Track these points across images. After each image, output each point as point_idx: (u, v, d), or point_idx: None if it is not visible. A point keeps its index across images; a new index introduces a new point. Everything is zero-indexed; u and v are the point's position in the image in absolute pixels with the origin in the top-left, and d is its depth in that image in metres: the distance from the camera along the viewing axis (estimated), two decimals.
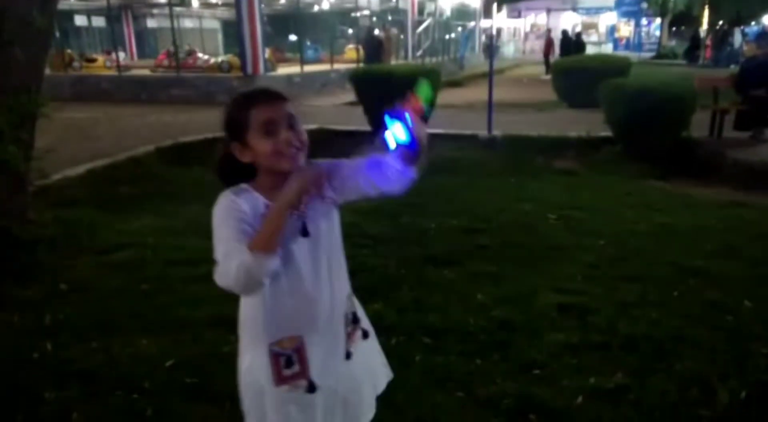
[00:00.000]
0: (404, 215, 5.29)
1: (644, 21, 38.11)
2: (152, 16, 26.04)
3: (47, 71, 5.10)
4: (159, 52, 20.59)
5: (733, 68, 12.43)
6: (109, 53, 19.06)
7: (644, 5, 35.39)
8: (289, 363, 1.52)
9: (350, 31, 24.37)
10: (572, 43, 20.11)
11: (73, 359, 2.96)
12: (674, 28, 39.53)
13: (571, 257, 4.26)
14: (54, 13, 4.62)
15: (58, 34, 15.65)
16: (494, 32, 14.94)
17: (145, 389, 2.69)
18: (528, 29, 40.82)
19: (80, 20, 23.28)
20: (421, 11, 24.28)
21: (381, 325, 3.15)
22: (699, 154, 7.29)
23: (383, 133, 1.37)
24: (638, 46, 35.77)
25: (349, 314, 1.64)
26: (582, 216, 5.25)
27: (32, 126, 4.49)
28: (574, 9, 37.88)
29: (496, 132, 8.70)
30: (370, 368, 1.73)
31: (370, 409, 1.71)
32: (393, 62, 17.71)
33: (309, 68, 17.15)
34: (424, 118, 1.38)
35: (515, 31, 40.94)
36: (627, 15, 37.77)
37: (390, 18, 23.31)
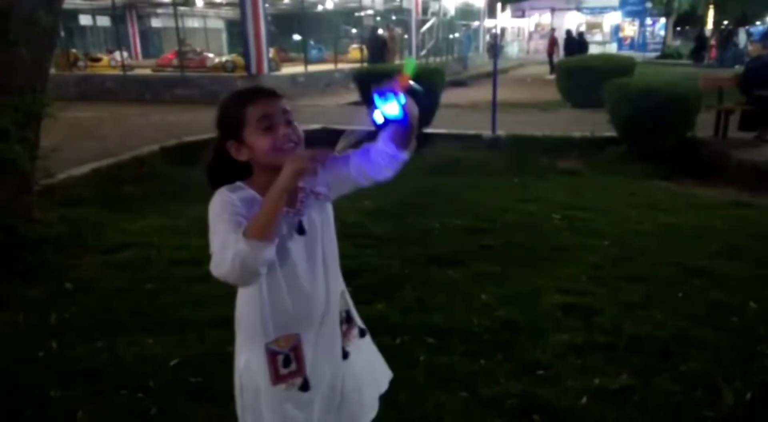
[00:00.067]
0: (408, 215, 5.30)
1: (649, 21, 38.01)
2: (157, 15, 26.11)
3: (52, 71, 5.11)
4: (164, 51, 20.67)
5: (738, 68, 12.37)
6: (111, 52, 19.12)
7: (649, 5, 35.29)
8: (286, 362, 1.52)
9: (354, 30, 24.35)
10: (576, 43, 20.08)
11: (78, 358, 2.97)
12: (679, 28, 39.42)
13: (576, 257, 4.26)
14: (59, 13, 4.64)
15: (63, 34, 15.70)
16: (498, 32, 14.89)
17: (150, 388, 2.70)
18: (532, 29, 40.74)
19: (85, 20, 23.34)
20: (425, 11, 24.26)
21: (385, 325, 3.18)
22: (704, 154, 7.26)
23: (372, 111, 1.37)
24: (643, 46, 35.67)
25: (342, 312, 1.64)
26: (586, 216, 5.24)
27: (37, 125, 4.50)
28: (579, 8, 37.78)
29: (500, 132, 8.69)
30: (370, 366, 1.73)
31: (371, 408, 1.71)
32: (397, 62, 17.69)
33: (313, 68, 17.16)
34: (413, 94, 1.37)
35: (519, 31, 40.87)
36: (631, 14, 37.66)
37: (394, 18, 23.28)
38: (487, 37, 30.43)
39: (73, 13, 21.17)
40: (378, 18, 23.36)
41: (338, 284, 1.63)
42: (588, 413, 2.50)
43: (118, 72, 16.68)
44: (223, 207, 1.41)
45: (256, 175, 1.50)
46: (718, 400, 2.55)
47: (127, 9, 23.52)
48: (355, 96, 11.67)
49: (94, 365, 2.90)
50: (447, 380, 2.74)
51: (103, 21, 23.54)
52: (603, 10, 37.94)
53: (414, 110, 1.37)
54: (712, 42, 27.18)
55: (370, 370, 1.72)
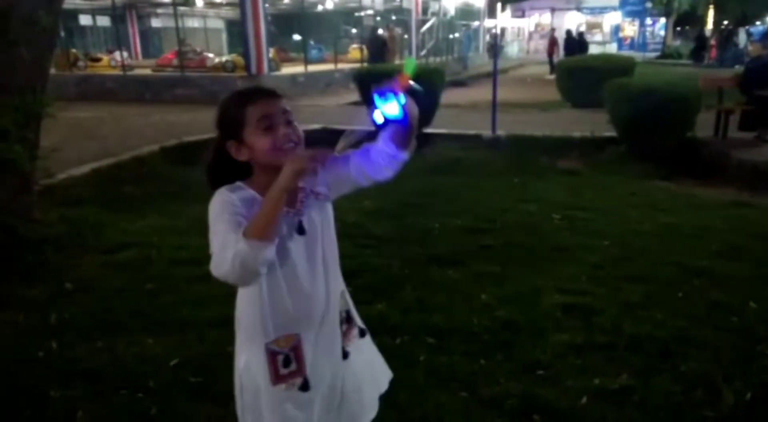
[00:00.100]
0: (408, 215, 5.30)
1: (649, 21, 38.01)
2: (157, 15, 26.11)
3: (52, 71, 5.11)
4: (164, 51, 20.67)
5: (738, 68, 12.38)
6: (111, 52, 19.13)
7: (649, 5, 35.29)
8: (286, 361, 1.52)
9: (354, 30, 24.36)
10: (576, 43, 20.07)
11: (78, 358, 2.97)
12: (679, 28, 39.41)
13: (576, 257, 4.26)
14: (59, 13, 4.64)
15: (63, 34, 15.70)
16: (498, 32, 14.89)
17: (150, 388, 2.70)
18: (532, 29, 40.75)
19: (85, 20, 23.34)
20: (425, 11, 24.26)
21: (385, 325, 3.18)
22: (704, 154, 7.27)
23: (372, 111, 1.37)
24: (643, 46, 35.66)
25: (342, 312, 1.64)
26: (586, 216, 5.24)
27: (37, 125, 4.50)
28: (579, 8, 37.78)
29: (500, 132, 8.69)
30: (370, 366, 1.72)
31: (371, 408, 1.71)
32: (397, 62, 17.69)
33: (313, 68, 17.16)
34: (413, 94, 1.38)
35: (519, 31, 40.88)
36: (631, 14, 37.66)
37: (394, 18, 23.28)
38: (487, 37, 30.43)
39: (73, 13, 21.17)
40: (378, 18, 23.36)
41: (338, 284, 1.63)
42: (588, 413, 2.50)
43: (118, 72, 16.69)
44: (223, 207, 1.40)
45: (255, 175, 1.50)
46: (718, 400, 2.55)
47: (127, 9, 23.52)
48: (355, 96, 11.67)
49: (94, 365, 2.90)
50: (447, 380, 2.74)
51: (103, 21, 23.55)
52: (603, 10, 37.94)
53: (414, 110, 1.38)
54: (712, 42, 27.18)
55: (370, 370, 1.72)
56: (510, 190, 6.22)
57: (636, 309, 3.41)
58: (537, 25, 40.13)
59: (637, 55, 23.34)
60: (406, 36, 22.96)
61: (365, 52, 18.31)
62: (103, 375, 2.82)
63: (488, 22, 29.98)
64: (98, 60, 18.46)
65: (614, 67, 11.19)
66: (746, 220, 5.14)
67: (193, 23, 26.41)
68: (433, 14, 24.67)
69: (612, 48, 34.58)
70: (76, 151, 7.20)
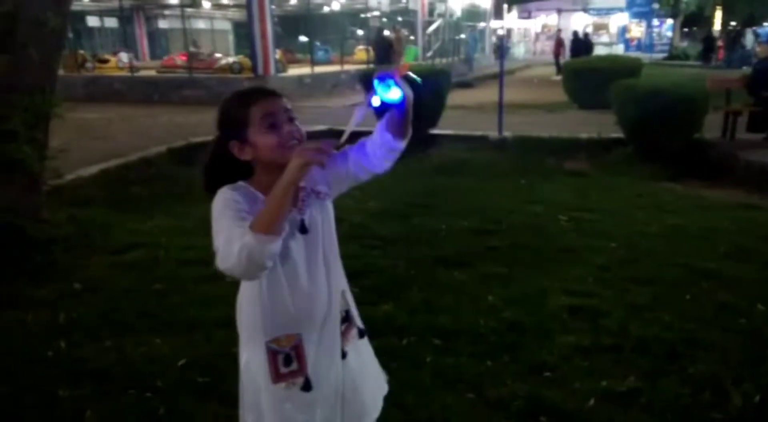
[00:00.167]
0: (414, 216, 5.30)
1: (656, 22, 37.90)
2: (164, 17, 26.20)
3: (60, 72, 5.14)
4: (171, 52, 20.74)
5: (746, 69, 12.32)
6: (115, 54, 19.23)
7: (656, 6, 35.18)
8: (287, 360, 1.52)
9: (360, 32, 24.39)
10: (582, 44, 20.02)
11: (86, 358, 2.98)
12: (686, 29, 39.26)
13: (582, 259, 4.25)
14: (67, 14, 4.66)
15: (71, 35, 15.79)
16: (504, 33, 14.88)
17: (158, 388, 2.71)
18: (538, 30, 40.69)
19: (93, 21, 23.46)
20: (431, 12, 24.27)
21: (391, 326, 3.18)
22: (711, 156, 7.24)
23: (370, 96, 1.38)
24: (650, 47, 35.56)
25: (341, 311, 1.63)
26: (593, 217, 5.23)
27: (46, 126, 4.53)
28: (585, 10, 37.70)
29: (507, 133, 8.68)
30: (369, 368, 1.72)
31: (374, 409, 1.70)
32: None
33: (319, 69, 17.20)
34: (411, 83, 1.39)
35: (525, 32, 40.82)
36: (638, 16, 37.57)
37: (400, 19, 23.29)
38: (494, 38, 30.40)
39: (81, 15, 21.27)
40: (384, 19, 23.36)
41: (340, 283, 1.63)
42: (595, 415, 2.49)
43: (125, 73, 16.76)
44: (226, 203, 1.41)
45: (257, 175, 1.51)
46: (727, 402, 2.54)
47: (135, 10, 23.61)
48: (361, 97, 11.66)
49: (102, 365, 2.91)
50: (453, 381, 2.74)
51: (111, 22, 23.66)
52: (610, 11, 37.85)
53: (410, 96, 1.40)
54: (720, 43, 27.06)
55: (368, 371, 1.71)
56: (516, 191, 6.21)
57: (643, 311, 3.40)
58: (543, 26, 40.08)
59: (644, 57, 23.28)
60: (412, 37, 22.96)
61: (371, 53, 18.33)
62: (111, 374, 2.83)
63: (494, 23, 29.95)
64: (106, 61, 18.56)
65: (621, 68, 11.18)
66: (754, 222, 5.11)
67: (200, 24, 26.49)
68: (440, 15, 24.68)
69: (619, 49, 34.50)
70: (85, 151, 7.23)
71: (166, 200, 5.79)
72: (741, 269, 4.01)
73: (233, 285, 1.62)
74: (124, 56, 18.02)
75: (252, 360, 1.54)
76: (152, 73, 17.54)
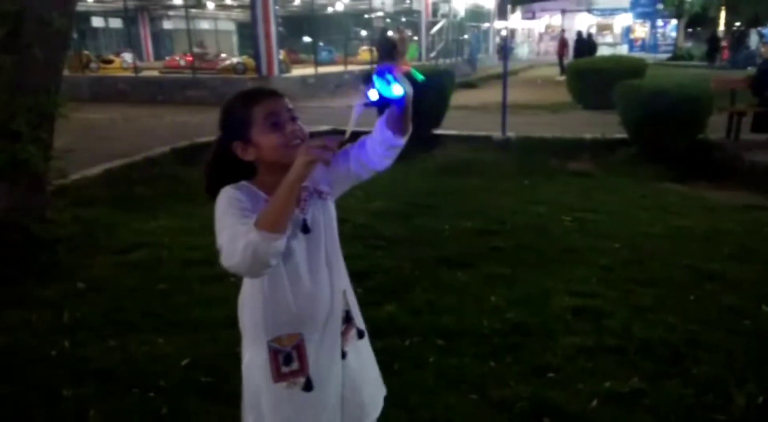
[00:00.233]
0: (418, 216, 5.30)
1: (660, 22, 37.82)
2: (168, 17, 26.26)
3: (65, 72, 5.15)
4: (175, 53, 20.79)
5: (750, 70, 12.29)
6: (118, 54, 19.30)
7: (660, 6, 35.10)
8: (288, 360, 1.52)
9: (364, 32, 24.39)
10: (585, 44, 19.98)
11: (90, 357, 2.99)
12: (690, 30, 39.16)
13: (586, 260, 4.24)
14: (73, 14, 4.68)
15: (75, 36, 15.84)
16: (508, 33, 14.86)
17: (161, 387, 2.72)
18: (542, 30, 40.65)
19: (97, 22, 23.54)
20: (434, 12, 24.27)
21: (395, 326, 3.18)
22: (715, 157, 7.22)
23: (367, 89, 1.38)
24: (654, 48, 35.51)
25: (342, 312, 1.62)
26: (597, 218, 5.22)
27: (51, 126, 4.55)
28: (589, 10, 37.65)
29: (510, 133, 8.68)
30: (368, 369, 1.71)
31: (373, 410, 1.70)
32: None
33: (323, 69, 17.21)
34: (412, 80, 1.40)
35: (529, 32, 40.78)
36: (642, 16, 37.50)
37: (404, 19, 23.31)
38: (497, 39, 30.38)
39: (86, 15, 21.34)
40: (388, 20, 23.38)
41: (342, 283, 1.63)
42: (598, 416, 2.49)
43: (130, 73, 16.81)
44: (230, 202, 1.41)
45: (260, 175, 1.51)
46: (730, 404, 2.54)
47: (139, 11, 23.67)
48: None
49: (106, 364, 2.92)
50: (457, 382, 2.74)
51: (116, 23, 23.73)
52: (614, 11, 37.80)
53: (409, 93, 1.40)
54: (724, 43, 26.99)
55: (368, 372, 1.70)
56: (520, 192, 6.20)
57: (647, 313, 3.39)
58: (547, 27, 40.04)
59: (648, 57, 23.21)
60: (416, 38, 22.96)
61: (375, 53, 18.32)
62: (114, 374, 2.84)
63: (498, 24, 29.92)
64: (110, 62, 18.62)
65: (625, 69, 11.15)
66: (759, 223, 5.10)
67: (204, 25, 26.54)
68: (443, 16, 24.68)
69: (623, 49, 34.45)
70: (89, 151, 7.24)
71: (170, 200, 5.81)
72: (745, 270, 4.00)
73: (237, 285, 1.63)
74: (127, 56, 18.07)
75: (254, 359, 1.54)
76: (155, 73, 17.58)
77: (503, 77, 9.45)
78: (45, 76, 4.42)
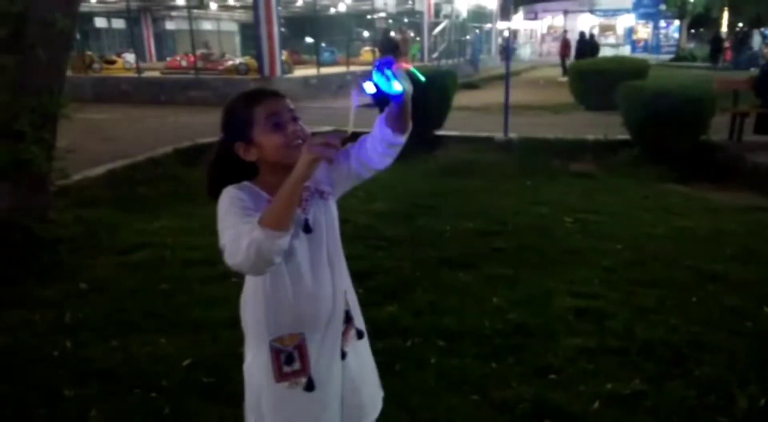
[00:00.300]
0: (419, 217, 5.30)
1: (663, 23, 37.76)
2: (171, 18, 26.29)
3: (68, 73, 5.16)
4: (177, 53, 20.82)
5: (753, 71, 12.27)
6: (119, 55, 19.33)
7: (663, 7, 35.05)
8: (289, 360, 1.52)
9: (366, 33, 24.41)
10: (587, 45, 19.96)
11: (92, 357, 3.00)
12: (693, 31, 39.11)
13: (588, 261, 4.23)
14: (76, 15, 4.68)
15: (78, 36, 15.87)
16: (510, 34, 14.86)
17: (163, 388, 2.72)
18: (545, 31, 40.62)
19: (100, 22, 23.57)
20: (437, 13, 24.26)
21: (396, 327, 3.18)
22: (718, 158, 7.21)
23: (364, 80, 1.38)
24: (656, 49, 35.45)
25: (343, 312, 1.62)
26: (599, 219, 5.21)
27: (54, 126, 4.55)
28: (592, 11, 37.62)
29: (512, 134, 8.67)
30: (368, 368, 1.71)
31: (372, 411, 1.70)
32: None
33: (325, 70, 17.22)
34: (417, 84, 1.40)
35: (532, 33, 40.77)
36: (645, 17, 37.45)
37: (406, 20, 23.32)
38: (500, 40, 30.38)
39: (89, 16, 21.37)
40: (390, 21, 23.39)
41: (344, 284, 1.63)
42: (600, 418, 2.49)
43: (132, 74, 16.84)
44: (232, 202, 1.42)
45: (262, 175, 1.51)
46: (732, 405, 2.53)
47: (142, 12, 23.70)
48: (367, 98, 11.68)
49: (108, 364, 2.93)
50: (458, 383, 2.74)
51: (118, 23, 23.77)
52: (616, 12, 37.75)
53: (409, 91, 1.40)
54: (727, 44, 26.95)
55: (367, 373, 1.70)
56: (522, 193, 6.20)
57: (649, 314, 3.39)
58: (550, 28, 40.02)
59: (651, 58, 23.20)
60: (418, 38, 22.96)
61: (377, 54, 18.33)
62: (116, 374, 2.84)
63: (500, 25, 29.90)
64: (113, 62, 18.65)
65: (628, 70, 11.14)
66: (761, 224, 5.09)
67: (207, 26, 26.57)
68: (446, 17, 24.66)
69: (625, 50, 34.40)
70: (92, 152, 7.26)
71: (173, 200, 5.81)
72: (748, 272, 3.99)
73: (238, 285, 1.63)
74: (128, 57, 18.11)
75: (255, 359, 1.55)
76: (157, 74, 17.61)
77: (505, 78, 9.45)
78: (48, 76, 4.43)
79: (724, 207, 5.69)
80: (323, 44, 21.39)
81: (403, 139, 1.51)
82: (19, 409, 2.63)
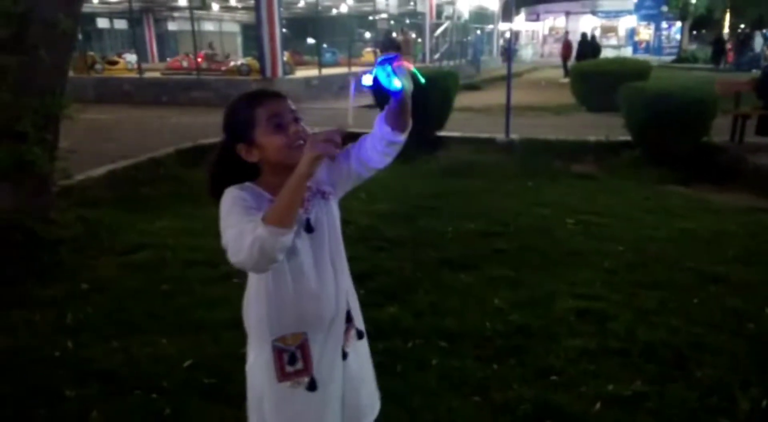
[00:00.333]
0: (421, 218, 5.29)
1: (664, 24, 37.70)
2: (173, 19, 26.35)
3: (71, 73, 5.18)
4: (179, 54, 20.86)
5: (755, 72, 12.25)
6: (120, 55, 19.36)
7: (664, 8, 35.02)
8: (292, 359, 1.52)
9: (368, 34, 24.43)
10: (588, 46, 19.94)
11: (93, 358, 3.00)
12: (695, 32, 39.07)
13: (590, 262, 4.23)
14: (78, 16, 4.69)
15: (80, 37, 15.89)
16: (512, 35, 14.86)
17: (164, 388, 2.72)
18: (546, 32, 40.62)
19: (102, 23, 23.62)
20: (439, 14, 24.27)
21: (397, 328, 3.18)
22: (720, 159, 7.20)
23: (363, 73, 1.38)
24: (658, 50, 35.40)
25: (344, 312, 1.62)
26: (600, 221, 5.21)
27: (56, 127, 4.56)
28: (594, 12, 37.60)
29: (514, 135, 8.66)
30: (367, 369, 1.72)
31: (371, 411, 1.71)
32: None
33: (327, 71, 17.22)
34: (418, 85, 1.40)
35: (533, 34, 40.76)
36: (647, 18, 37.39)
37: (408, 21, 23.33)
38: (501, 41, 30.39)
39: (91, 17, 21.42)
40: (392, 22, 23.41)
41: (346, 284, 1.63)
42: (601, 419, 2.48)
43: (134, 75, 16.86)
44: (234, 201, 1.42)
45: (264, 176, 1.52)
46: (734, 407, 2.53)
47: (144, 12, 23.75)
48: (369, 99, 11.69)
49: (109, 365, 2.93)
50: (459, 384, 2.73)
51: (120, 24, 23.81)
52: (618, 13, 37.72)
53: (409, 88, 1.40)
54: (729, 46, 26.93)
55: (366, 373, 1.71)
56: (523, 194, 6.20)
57: (650, 315, 3.38)
58: (551, 29, 40.01)
59: (653, 59, 23.21)
60: (420, 39, 22.97)
61: (379, 55, 18.31)
62: (117, 375, 2.84)
63: (502, 26, 29.93)
64: (115, 63, 18.67)
65: (629, 71, 11.12)
66: (763, 226, 5.08)
67: (208, 27, 26.62)
68: (447, 18, 24.69)
69: (627, 52, 34.37)
70: (93, 152, 7.26)
71: (174, 201, 5.82)
72: (749, 273, 3.99)
73: (240, 286, 1.63)
74: (130, 57, 18.14)
75: (258, 358, 1.55)
76: (158, 75, 17.63)
77: (507, 79, 9.44)
78: (50, 77, 4.44)
79: (725, 208, 5.68)
80: (325, 45, 21.40)
81: (402, 137, 1.52)
82: (20, 409, 2.63)
